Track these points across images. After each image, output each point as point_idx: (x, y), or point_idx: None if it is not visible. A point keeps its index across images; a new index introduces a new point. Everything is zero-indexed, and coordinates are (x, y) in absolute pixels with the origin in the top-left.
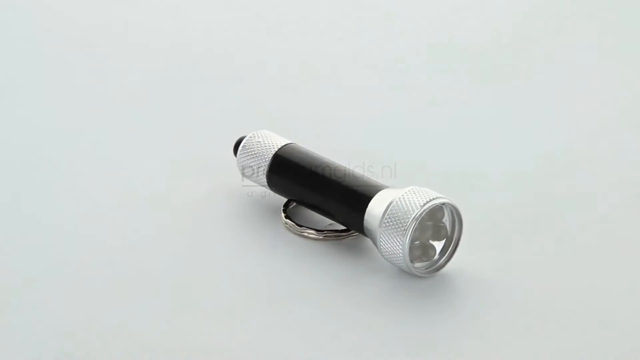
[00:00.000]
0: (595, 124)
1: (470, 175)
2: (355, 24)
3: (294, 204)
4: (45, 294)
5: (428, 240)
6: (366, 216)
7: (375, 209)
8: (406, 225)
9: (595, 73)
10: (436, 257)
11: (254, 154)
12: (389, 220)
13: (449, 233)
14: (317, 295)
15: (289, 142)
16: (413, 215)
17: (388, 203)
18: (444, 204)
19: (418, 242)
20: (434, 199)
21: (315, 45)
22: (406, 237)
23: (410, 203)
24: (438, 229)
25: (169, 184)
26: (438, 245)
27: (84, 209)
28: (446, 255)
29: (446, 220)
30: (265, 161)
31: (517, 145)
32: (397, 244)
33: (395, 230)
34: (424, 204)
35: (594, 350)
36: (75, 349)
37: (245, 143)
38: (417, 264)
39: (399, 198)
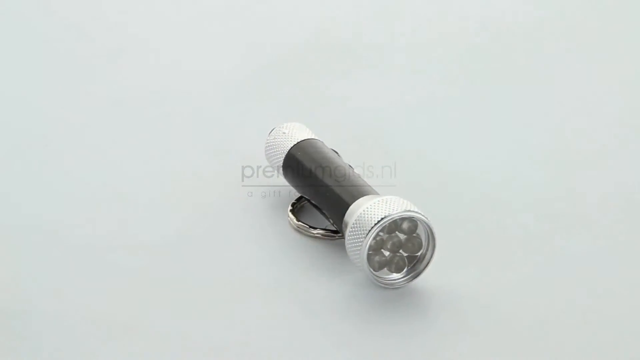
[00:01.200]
0: (594, 127)
1: (468, 177)
2: (356, 23)
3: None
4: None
5: (398, 251)
6: (344, 220)
7: (349, 216)
8: (364, 235)
9: (592, 73)
10: (401, 274)
11: (276, 145)
12: (352, 229)
13: (423, 249)
14: (287, 290)
15: (310, 137)
16: (370, 227)
17: (356, 212)
18: (411, 217)
19: (388, 252)
20: (397, 212)
21: (315, 43)
22: (364, 249)
23: (372, 214)
24: (411, 240)
25: (171, 181)
26: (410, 259)
27: (76, 203)
28: (412, 274)
29: (420, 233)
30: (282, 154)
31: (517, 146)
32: (356, 254)
33: (355, 240)
34: (384, 217)
35: None
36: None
37: (272, 133)
38: (383, 275)
39: (365, 209)
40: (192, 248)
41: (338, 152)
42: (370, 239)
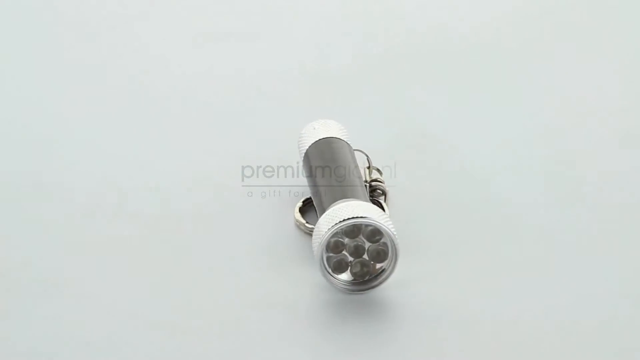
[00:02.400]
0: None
1: (469, 176)
2: (355, 21)
3: None
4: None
5: (361, 257)
6: None
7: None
8: (322, 235)
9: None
10: (353, 280)
11: (302, 140)
12: (316, 228)
13: (387, 261)
14: (272, 287)
15: (331, 136)
16: (328, 228)
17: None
18: (373, 225)
19: (352, 259)
20: (364, 217)
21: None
22: (320, 248)
23: (334, 216)
24: (376, 249)
25: (171, 179)
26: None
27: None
28: (369, 284)
29: (387, 244)
30: (304, 149)
31: (518, 145)
32: (314, 252)
33: (315, 239)
34: (343, 220)
35: None
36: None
37: (305, 127)
38: (338, 277)
39: (332, 210)
40: (190, 246)
41: (368, 154)
42: (325, 239)
